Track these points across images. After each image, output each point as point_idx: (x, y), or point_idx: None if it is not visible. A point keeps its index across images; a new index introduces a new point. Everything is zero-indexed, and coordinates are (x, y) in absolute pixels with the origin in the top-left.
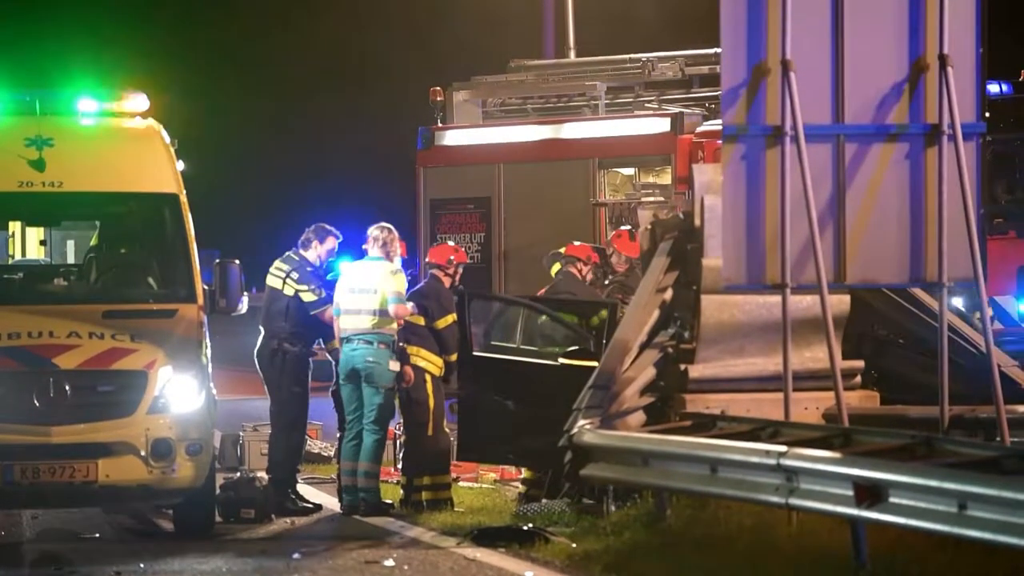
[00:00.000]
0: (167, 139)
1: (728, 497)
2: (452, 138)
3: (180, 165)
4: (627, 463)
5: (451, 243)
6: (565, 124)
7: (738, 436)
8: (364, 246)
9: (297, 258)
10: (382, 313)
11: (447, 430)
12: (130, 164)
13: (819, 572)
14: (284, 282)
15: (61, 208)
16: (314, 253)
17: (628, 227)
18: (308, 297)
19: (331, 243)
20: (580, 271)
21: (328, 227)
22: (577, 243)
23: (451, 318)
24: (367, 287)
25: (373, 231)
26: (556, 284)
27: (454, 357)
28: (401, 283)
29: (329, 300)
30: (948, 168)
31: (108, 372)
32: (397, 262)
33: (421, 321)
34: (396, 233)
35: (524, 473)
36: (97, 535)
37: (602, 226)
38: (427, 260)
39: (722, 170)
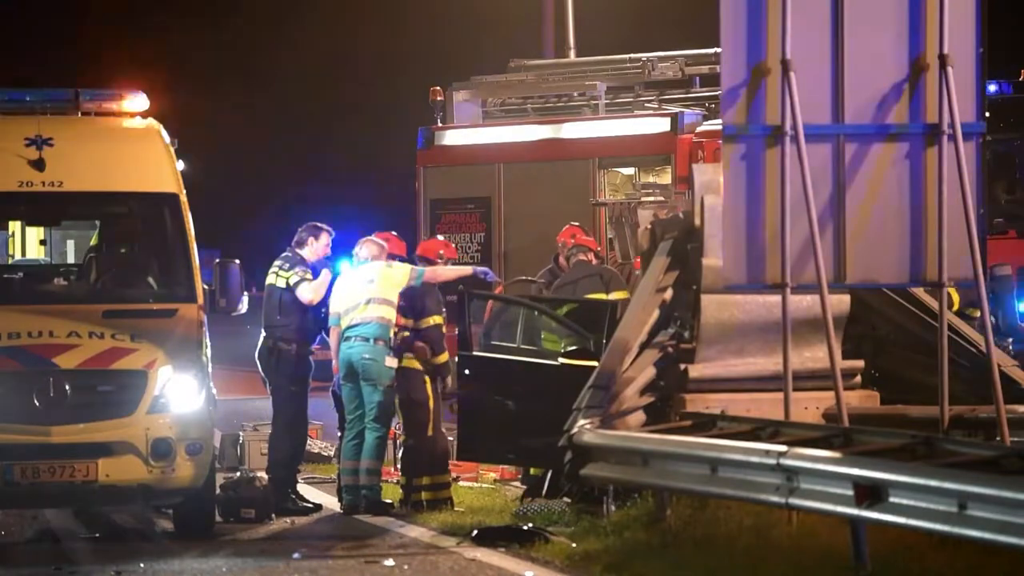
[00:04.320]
0: (167, 139)
1: (728, 497)
2: (452, 138)
3: (180, 165)
4: (627, 463)
5: (440, 238)
6: (565, 124)
7: (738, 436)
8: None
9: (291, 254)
10: (379, 302)
11: (444, 430)
12: (130, 164)
13: (819, 572)
14: (276, 275)
15: (61, 208)
16: (310, 250)
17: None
18: (293, 279)
19: (325, 238)
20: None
21: (320, 224)
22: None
23: (433, 319)
24: (364, 280)
25: (358, 248)
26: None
27: (442, 359)
28: (406, 264)
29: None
30: (948, 168)
31: (108, 372)
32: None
33: (411, 323)
34: (385, 246)
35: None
36: (97, 535)
37: (602, 226)
38: (416, 254)
39: (722, 170)
